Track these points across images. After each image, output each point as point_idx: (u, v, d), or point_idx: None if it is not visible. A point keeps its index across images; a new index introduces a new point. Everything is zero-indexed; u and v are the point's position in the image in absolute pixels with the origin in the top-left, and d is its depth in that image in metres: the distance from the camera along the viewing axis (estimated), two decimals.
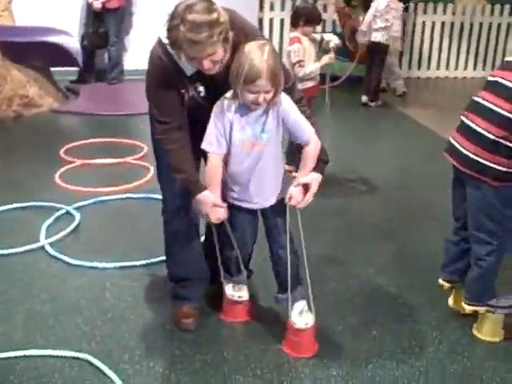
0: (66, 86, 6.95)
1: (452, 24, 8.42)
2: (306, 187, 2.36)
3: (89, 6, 7.14)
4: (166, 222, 2.63)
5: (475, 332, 2.65)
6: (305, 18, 4.08)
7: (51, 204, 3.85)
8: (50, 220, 3.64)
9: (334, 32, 7.98)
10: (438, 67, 8.64)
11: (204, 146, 2.33)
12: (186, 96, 2.30)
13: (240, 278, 2.69)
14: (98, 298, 2.90)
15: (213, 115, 2.30)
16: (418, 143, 5.58)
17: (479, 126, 2.40)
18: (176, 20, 2.05)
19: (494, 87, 2.42)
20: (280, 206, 2.41)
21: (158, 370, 2.39)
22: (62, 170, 4.46)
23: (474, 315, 2.65)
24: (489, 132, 2.35)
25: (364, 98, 6.75)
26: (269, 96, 2.20)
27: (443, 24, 8.40)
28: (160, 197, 3.89)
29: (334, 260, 3.27)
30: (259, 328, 2.66)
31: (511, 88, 2.33)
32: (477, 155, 2.39)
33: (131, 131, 5.75)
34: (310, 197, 2.37)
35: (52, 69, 6.64)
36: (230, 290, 2.69)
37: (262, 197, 2.43)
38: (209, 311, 2.76)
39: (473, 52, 8.63)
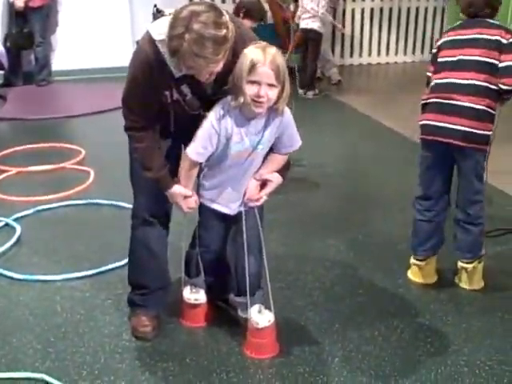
0: None
1: (381, 9, 8.54)
2: (262, 185, 2.32)
3: (10, 5, 6.85)
4: (134, 228, 2.54)
5: (465, 286, 2.92)
6: (245, 10, 4.02)
7: None
8: None
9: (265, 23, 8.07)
10: (370, 54, 8.76)
11: (191, 154, 2.22)
12: (168, 99, 2.18)
13: (197, 281, 2.60)
14: (48, 313, 2.76)
15: (209, 125, 2.17)
16: (357, 130, 5.63)
17: (465, 102, 2.64)
18: (179, 28, 1.91)
19: (463, 64, 2.68)
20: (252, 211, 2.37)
21: None
22: None
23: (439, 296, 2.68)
24: (476, 103, 2.63)
25: (300, 91, 6.70)
26: (272, 93, 2.08)
27: (372, 10, 8.51)
28: (104, 202, 3.87)
29: (288, 255, 3.23)
30: (219, 331, 2.58)
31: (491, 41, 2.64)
32: (471, 127, 2.63)
33: (67, 135, 5.59)
34: (264, 194, 2.33)
35: None
36: (187, 292, 2.61)
37: (239, 202, 2.36)
38: (167, 317, 2.67)
39: (402, 37, 8.79)
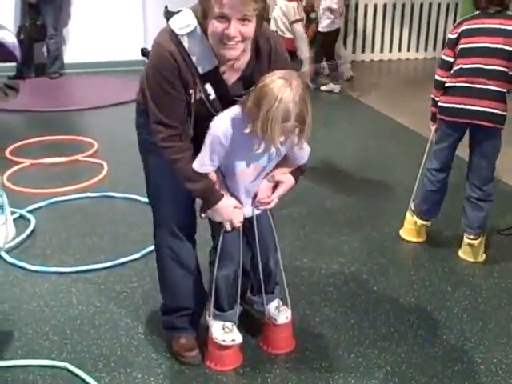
0: (4, 83, 6.64)
1: (394, 5, 8.49)
2: (275, 187, 2.22)
3: None
4: (161, 246, 2.33)
5: (469, 258, 3.12)
6: None
7: None
8: None
9: None
10: (382, 50, 8.71)
11: (195, 165, 2.06)
12: (192, 98, 2.02)
13: (232, 315, 2.32)
14: (63, 304, 2.77)
15: (211, 137, 2.02)
16: (369, 126, 5.61)
17: (491, 86, 2.89)
18: None
19: (490, 51, 2.89)
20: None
21: (136, 376, 2.30)
22: (10, 171, 4.26)
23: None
24: (500, 87, 2.90)
25: (311, 85, 6.63)
26: (292, 136, 1.99)
27: (385, 6, 8.46)
28: (117, 195, 3.87)
29: (301, 251, 3.22)
30: (239, 379, 2.34)
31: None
32: (497, 109, 2.90)
33: (79, 127, 5.59)
34: (276, 196, 2.22)
35: None
36: (219, 332, 2.29)
37: (249, 204, 2.23)
38: None
39: (415, 33, 8.73)
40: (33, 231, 3.41)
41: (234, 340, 2.29)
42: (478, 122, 2.93)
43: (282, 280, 2.43)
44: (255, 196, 2.21)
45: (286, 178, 2.21)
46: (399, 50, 8.77)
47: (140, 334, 2.55)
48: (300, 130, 1.97)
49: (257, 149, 2.00)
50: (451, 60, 3.01)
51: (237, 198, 2.17)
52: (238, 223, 2.17)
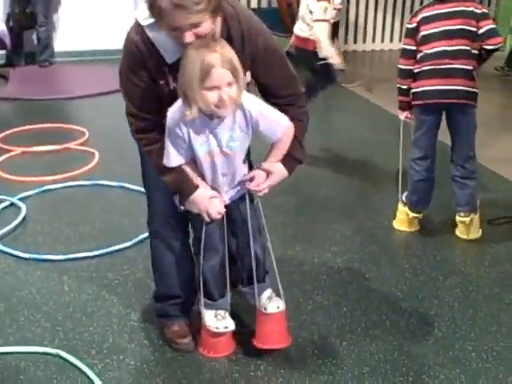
0: None
1: None
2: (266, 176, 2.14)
3: None
4: (155, 234, 2.34)
5: (463, 236, 3.23)
6: None
7: None
8: None
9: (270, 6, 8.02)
10: (374, 40, 8.71)
11: (164, 159, 2.04)
12: (165, 89, 1.98)
13: (223, 303, 2.32)
14: (55, 292, 2.76)
15: (166, 129, 2.00)
16: (362, 116, 5.61)
17: (457, 65, 2.99)
18: None
19: (449, 33, 2.99)
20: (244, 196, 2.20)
21: (129, 363, 2.30)
22: (1, 159, 4.23)
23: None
24: (466, 65, 3.00)
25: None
26: (233, 91, 1.88)
27: None
28: (109, 183, 3.85)
29: (293, 240, 3.22)
30: (232, 365, 2.32)
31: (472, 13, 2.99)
32: (469, 86, 3.00)
33: (70, 116, 5.56)
34: (266, 185, 2.12)
35: None
36: (211, 320, 2.28)
37: (229, 190, 2.17)
38: None
39: (406, 23, 8.72)
40: (24, 219, 3.39)
41: (226, 327, 2.29)
42: (450, 101, 3.03)
43: (274, 270, 2.33)
44: (240, 183, 2.15)
45: (276, 168, 2.13)
46: (391, 40, 8.76)
47: (133, 321, 2.55)
48: (237, 84, 1.89)
49: (211, 128, 1.97)
50: (413, 48, 3.09)
51: (215, 188, 2.12)
52: (216, 214, 2.10)
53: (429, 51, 3.02)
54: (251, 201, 2.21)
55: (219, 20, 1.90)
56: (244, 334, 2.41)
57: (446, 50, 3.00)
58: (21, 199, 3.61)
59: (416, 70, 3.08)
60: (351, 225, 3.41)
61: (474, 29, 3.00)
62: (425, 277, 2.91)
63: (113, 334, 2.47)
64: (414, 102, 3.13)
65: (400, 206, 3.36)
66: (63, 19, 7.43)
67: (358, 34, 8.60)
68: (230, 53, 1.87)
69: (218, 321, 2.29)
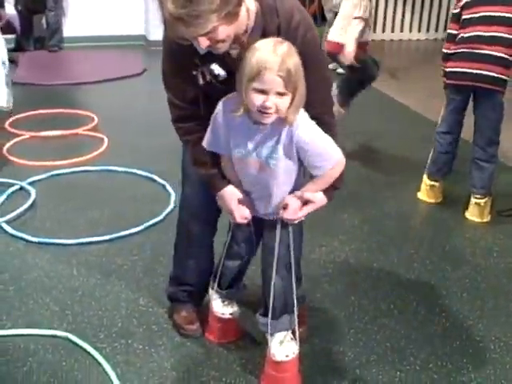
0: None
1: None
2: (304, 204, 1.97)
3: None
4: (183, 222, 2.33)
5: (474, 218, 3.34)
6: None
7: (3, 180, 3.65)
8: (4, 197, 3.45)
9: None
10: (384, 30, 8.67)
11: (204, 141, 1.97)
12: (200, 80, 1.89)
13: (231, 292, 2.29)
14: (64, 276, 2.77)
15: (214, 115, 1.91)
16: (371, 105, 5.58)
17: (489, 51, 3.10)
18: None
19: (487, 19, 3.11)
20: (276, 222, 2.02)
21: (136, 347, 2.31)
22: (10, 143, 4.24)
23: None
24: (501, 52, 3.10)
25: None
26: (281, 102, 1.72)
27: None
28: (118, 169, 3.86)
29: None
30: (239, 351, 2.31)
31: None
32: (498, 73, 3.10)
33: (79, 101, 5.56)
34: (304, 213, 1.98)
35: None
36: (218, 306, 2.29)
37: (265, 210, 2.03)
38: None
39: (417, 14, 8.68)
40: (33, 203, 3.40)
41: (232, 314, 2.29)
42: (478, 85, 3.15)
43: (293, 310, 2.09)
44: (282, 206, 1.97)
45: (316, 197, 1.96)
46: (401, 30, 8.73)
47: (141, 305, 2.56)
48: (291, 98, 1.74)
49: (250, 133, 1.86)
50: (455, 32, 3.24)
51: (245, 193, 2.01)
52: (240, 218, 2.01)
53: (465, 35, 3.17)
54: (283, 227, 2.01)
55: (253, 15, 1.79)
56: (250, 319, 2.35)
57: (480, 36, 3.11)
58: (30, 183, 3.62)
59: (451, 51, 3.24)
60: (359, 214, 3.41)
61: None
62: (433, 267, 2.91)
63: (121, 318, 2.48)
64: (446, 81, 3.30)
65: (424, 177, 3.59)
66: (73, 4, 7.43)
67: (378, 24, 8.57)
68: (294, 61, 1.71)
69: (224, 306, 2.29)
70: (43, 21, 7.13)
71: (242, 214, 2.01)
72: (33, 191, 3.50)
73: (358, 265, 2.91)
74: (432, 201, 3.54)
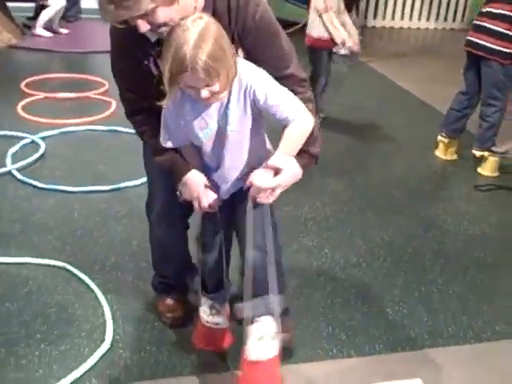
0: (22, 23, 6.87)
1: None
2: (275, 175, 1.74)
3: None
4: (151, 226, 2.28)
5: (480, 171, 3.88)
6: None
7: (16, 133, 3.93)
8: (16, 148, 3.73)
9: None
10: (393, 17, 8.83)
11: (160, 138, 1.86)
12: (153, 70, 1.79)
13: (218, 297, 2.07)
14: (66, 218, 3.05)
15: (164, 112, 1.80)
16: (372, 87, 5.80)
17: (492, 25, 3.66)
18: None
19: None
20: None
21: (127, 279, 2.58)
22: (24, 102, 4.52)
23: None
24: (501, 27, 3.62)
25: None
26: (215, 87, 1.62)
27: None
28: (124, 129, 4.11)
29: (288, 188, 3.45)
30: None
31: None
32: (493, 44, 3.64)
33: (92, 68, 5.81)
34: (273, 185, 1.72)
35: (9, 4, 6.57)
36: (205, 313, 2.06)
37: (229, 185, 1.88)
38: None
39: (427, 3, 8.83)
40: (43, 155, 3.68)
41: (217, 324, 2.07)
42: (478, 53, 3.73)
43: (273, 297, 1.90)
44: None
45: (286, 164, 1.73)
46: (410, 18, 8.87)
47: (133, 246, 2.82)
48: (223, 76, 1.62)
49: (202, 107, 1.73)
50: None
51: (209, 177, 1.88)
52: (207, 204, 1.85)
53: (483, 10, 3.78)
54: (255, 207, 1.78)
55: None
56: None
57: (491, 12, 3.68)
58: (41, 138, 3.89)
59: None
60: (343, 181, 3.66)
61: None
62: (405, 230, 3.15)
63: (115, 255, 2.75)
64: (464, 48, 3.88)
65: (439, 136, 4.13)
66: None
67: (379, 9, 8.71)
68: (209, 49, 1.56)
69: (210, 315, 2.07)
70: None
71: (210, 202, 1.86)
72: (43, 144, 3.77)
73: (335, 223, 3.16)
74: (448, 158, 4.05)
